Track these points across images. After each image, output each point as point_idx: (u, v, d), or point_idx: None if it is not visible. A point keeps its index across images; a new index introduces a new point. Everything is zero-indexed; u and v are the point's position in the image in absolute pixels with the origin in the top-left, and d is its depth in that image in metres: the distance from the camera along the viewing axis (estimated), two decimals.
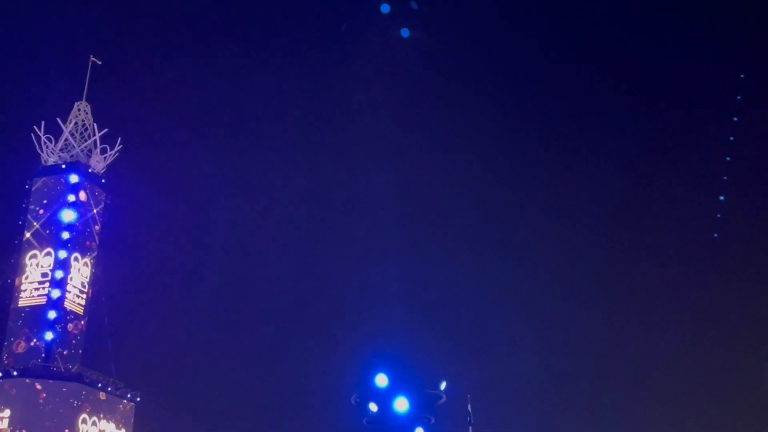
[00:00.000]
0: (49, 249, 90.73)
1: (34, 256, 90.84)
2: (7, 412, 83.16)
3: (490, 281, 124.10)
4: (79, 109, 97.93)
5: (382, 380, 35.57)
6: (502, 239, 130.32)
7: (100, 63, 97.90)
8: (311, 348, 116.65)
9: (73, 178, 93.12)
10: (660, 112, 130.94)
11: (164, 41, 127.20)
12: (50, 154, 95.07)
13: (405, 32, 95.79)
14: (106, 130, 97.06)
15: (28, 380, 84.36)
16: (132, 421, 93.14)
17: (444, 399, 37.21)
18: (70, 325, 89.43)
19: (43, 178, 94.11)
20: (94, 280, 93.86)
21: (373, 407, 35.99)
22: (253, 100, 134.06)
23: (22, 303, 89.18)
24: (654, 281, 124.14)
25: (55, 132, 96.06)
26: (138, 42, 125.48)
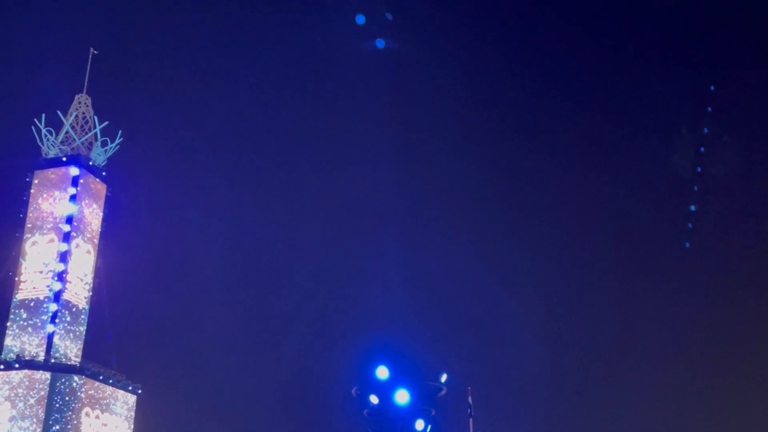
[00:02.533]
0: (49, 242, 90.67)
1: (35, 248, 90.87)
2: (8, 405, 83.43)
3: (491, 274, 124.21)
4: (79, 102, 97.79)
5: (382, 372, 35.61)
6: (503, 231, 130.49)
7: (97, 53, 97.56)
8: (312, 340, 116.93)
9: (74, 171, 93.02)
10: (631, 124, 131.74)
11: (165, 35, 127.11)
12: (51, 147, 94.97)
13: (380, 43, 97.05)
14: (106, 122, 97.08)
15: (29, 372, 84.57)
16: (134, 413, 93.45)
17: (445, 391, 37.24)
18: (71, 318, 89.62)
19: (44, 171, 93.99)
20: (96, 273, 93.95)
21: (374, 399, 36.05)
22: (255, 93, 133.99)
23: (23, 295, 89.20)
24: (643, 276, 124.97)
25: (55, 125, 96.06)
26: (139, 35, 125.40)
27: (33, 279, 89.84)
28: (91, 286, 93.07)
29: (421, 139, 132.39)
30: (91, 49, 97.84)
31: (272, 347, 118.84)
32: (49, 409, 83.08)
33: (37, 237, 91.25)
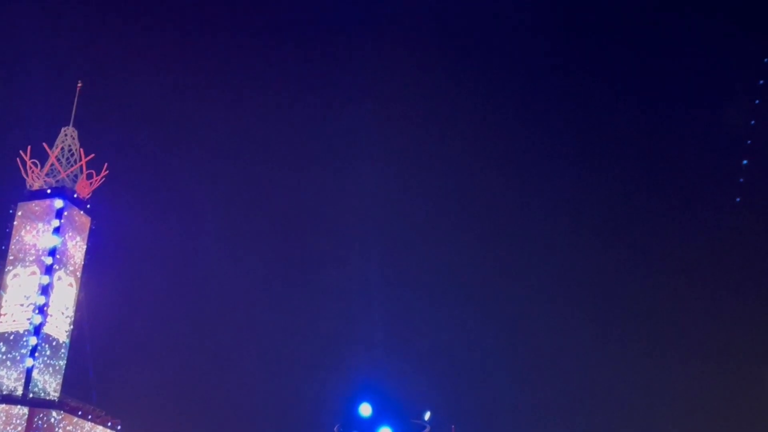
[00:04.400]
0: (31, 275, 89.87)
1: (17, 281, 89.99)
2: None
3: (473, 312, 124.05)
4: (66, 135, 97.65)
5: (365, 410, 35.31)
6: (483, 271, 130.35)
7: (80, 85, 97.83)
8: (295, 376, 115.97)
9: (58, 203, 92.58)
10: (684, 72, 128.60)
11: (151, 69, 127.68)
12: (36, 179, 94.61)
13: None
14: (92, 155, 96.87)
15: (7, 407, 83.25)
16: None
17: (428, 429, 36.96)
18: (51, 351, 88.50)
19: (28, 203, 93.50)
20: (78, 306, 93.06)
21: None
22: (239, 128, 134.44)
23: (2, 328, 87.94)
24: (663, 283, 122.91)
25: (41, 157, 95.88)
26: (126, 70, 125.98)
27: (13, 312, 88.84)
28: (73, 319, 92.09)
29: (404, 174, 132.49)
30: (79, 83, 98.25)
31: (254, 384, 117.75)
32: None
33: (18, 269, 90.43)
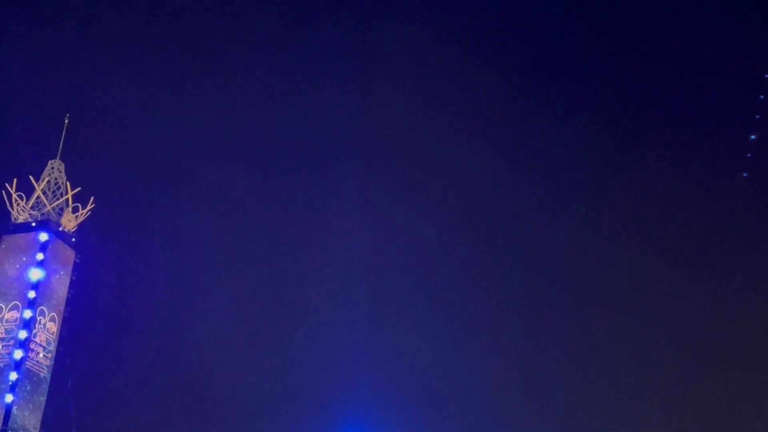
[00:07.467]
0: (13, 308, 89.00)
1: None
2: None
3: (460, 357, 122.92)
4: (53, 168, 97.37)
5: None
6: (471, 313, 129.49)
7: (68, 118, 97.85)
8: (280, 420, 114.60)
9: (43, 237, 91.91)
10: (692, 47, 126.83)
11: (141, 103, 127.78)
12: (21, 212, 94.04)
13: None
14: (78, 188, 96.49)
15: None
16: None
17: None
18: (31, 387, 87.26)
19: (12, 236, 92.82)
20: (60, 341, 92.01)
21: None
22: (229, 164, 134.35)
23: None
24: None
25: (27, 189, 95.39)
26: (114, 102, 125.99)
27: None
28: (54, 354, 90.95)
29: (389, 208, 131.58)
30: (67, 116, 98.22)
31: (237, 423, 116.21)
32: None
33: (0, 304, 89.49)
